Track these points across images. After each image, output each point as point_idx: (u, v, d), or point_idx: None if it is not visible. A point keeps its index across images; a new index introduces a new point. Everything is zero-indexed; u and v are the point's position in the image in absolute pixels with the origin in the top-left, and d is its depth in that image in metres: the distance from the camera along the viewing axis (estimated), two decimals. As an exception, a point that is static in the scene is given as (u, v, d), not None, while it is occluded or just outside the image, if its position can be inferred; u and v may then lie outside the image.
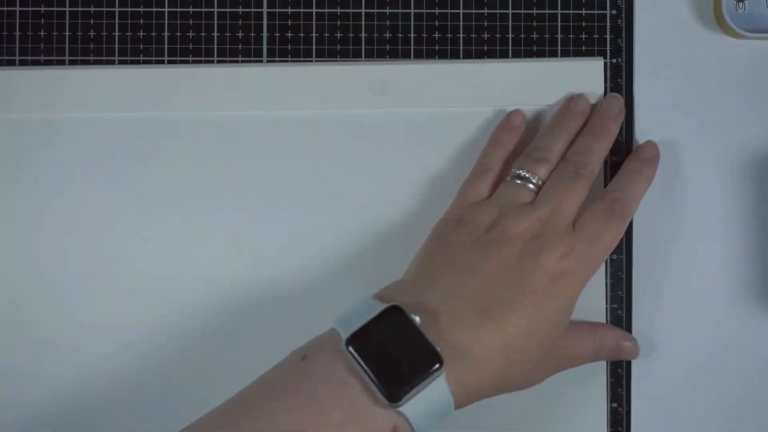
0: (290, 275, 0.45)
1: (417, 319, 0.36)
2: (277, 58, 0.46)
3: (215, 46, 0.46)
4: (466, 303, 0.37)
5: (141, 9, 0.46)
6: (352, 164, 0.45)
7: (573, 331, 0.41)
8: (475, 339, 0.37)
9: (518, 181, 0.42)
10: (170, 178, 0.45)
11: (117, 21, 0.46)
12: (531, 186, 0.41)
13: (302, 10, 0.46)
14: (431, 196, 0.45)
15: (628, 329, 0.45)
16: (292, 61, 0.46)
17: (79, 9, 0.46)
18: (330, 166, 0.45)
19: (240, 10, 0.46)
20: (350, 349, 0.35)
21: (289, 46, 0.46)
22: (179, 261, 0.45)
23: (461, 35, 0.46)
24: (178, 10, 0.46)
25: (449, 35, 0.46)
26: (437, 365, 0.35)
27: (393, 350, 0.35)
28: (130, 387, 0.45)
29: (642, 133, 0.45)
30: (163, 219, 0.45)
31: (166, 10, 0.46)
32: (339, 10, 0.46)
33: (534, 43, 0.46)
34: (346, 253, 0.45)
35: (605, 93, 0.45)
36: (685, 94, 0.45)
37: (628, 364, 0.45)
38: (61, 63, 0.46)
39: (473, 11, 0.46)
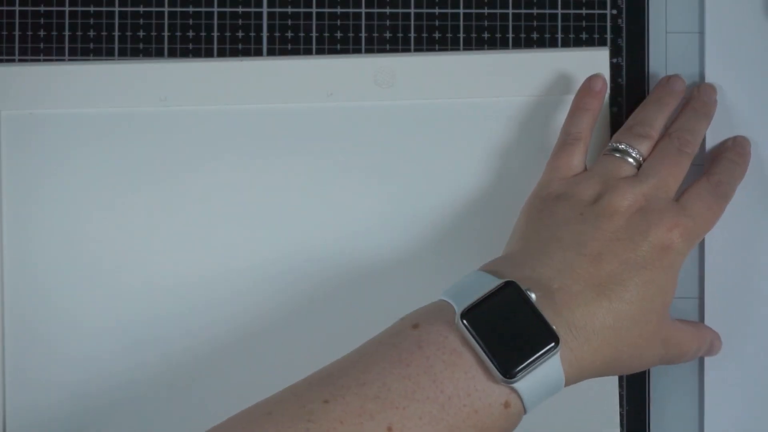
0: (298, 269, 0.45)
1: (533, 295, 0.36)
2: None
3: (215, 45, 0.46)
4: (580, 279, 0.37)
5: (141, 9, 0.46)
6: (357, 157, 0.45)
7: (681, 327, 0.41)
8: (590, 317, 0.36)
9: (618, 155, 0.41)
10: (174, 173, 0.45)
11: (117, 21, 0.46)
12: (631, 160, 0.41)
13: (302, 9, 0.46)
14: (439, 188, 0.45)
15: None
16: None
17: (79, 8, 0.46)
18: (335, 159, 0.45)
19: (240, 9, 0.46)
20: (464, 322, 0.35)
21: (289, 46, 0.46)
22: (183, 257, 0.45)
23: (461, 35, 0.46)
24: (178, 9, 0.46)
25: (449, 35, 0.46)
26: (553, 344, 0.35)
27: (508, 326, 0.35)
28: (141, 388, 0.44)
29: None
30: (166, 214, 0.45)
31: (166, 9, 0.46)
32: (339, 10, 0.46)
33: (534, 43, 0.46)
34: (351, 249, 0.45)
35: (611, 83, 0.45)
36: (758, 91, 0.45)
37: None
38: (61, 62, 0.46)
39: (473, 11, 0.46)
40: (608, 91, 0.44)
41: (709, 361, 0.44)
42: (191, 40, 0.46)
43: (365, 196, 0.45)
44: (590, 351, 0.36)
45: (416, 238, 0.43)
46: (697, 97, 0.44)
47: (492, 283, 0.36)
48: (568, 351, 0.36)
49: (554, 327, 0.35)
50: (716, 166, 0.43)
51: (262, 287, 0.45)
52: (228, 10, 0.46)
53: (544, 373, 0.35)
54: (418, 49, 0.46)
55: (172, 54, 0.46)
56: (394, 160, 0.45)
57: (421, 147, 0.45)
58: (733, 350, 0.44)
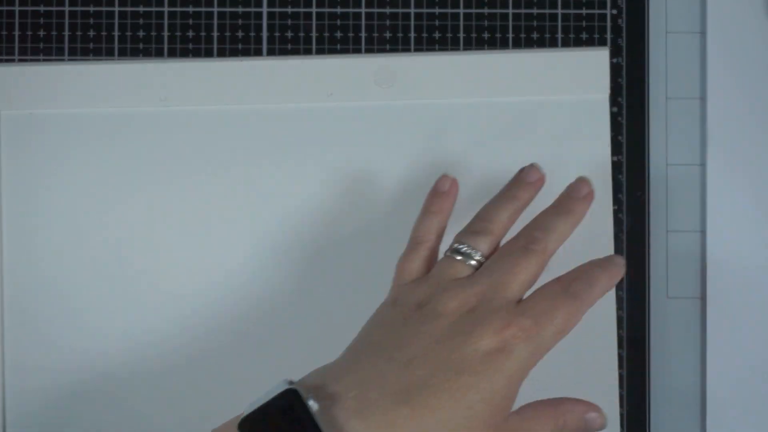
0: (298, 270, 0.45)
1: (315, 405, 0.33)
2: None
3: (215, 45, 0.46)
4: (383, 386, 0.34)
5: (141, 9, 0.46)
6: (358, 157, 0.45)
7: (528, 413, 0.37)
8: (389, 426, 0.33)
9: (457, 257, 0.38)
10: (175, 173, 0.45)
11: (117, 21, 0.46)
12: (472, 262, 0.38)
13: (302, 9, 0.46)
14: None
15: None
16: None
17: (79, 8, 0.46)
18: (336, 159, 0.45)
19: (240, 9, 0.46)
20: (239, 429, 0.33)
21: (289, 46, 0.46)
22: (184, 256, 0.45)
23: (461, 35, 0.46)
24: (178, 9, 0.46)
25: (449, 35, 0.46)
26: None
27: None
28: (141, 383, 0.44)
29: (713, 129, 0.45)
30: (167, 213, 0.45)
31: (166, 9, 0.46)
32: (339, 10, 0.46)
33: (534, 42, 0.46)
34: (353, 249, 0.45)
35: (611, 83, 0.45)
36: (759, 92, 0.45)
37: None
38: (61, 62, 0.46)
39: (473, 11, 0.46)
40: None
41: (710, 362, 0.44)
42: (191, 40, 0.46)
43: (366, 196, 0.45)
44: None
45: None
46: (565, 193, 0.41)
47: (279, 388, 0.34)
48: None
49: None
50: (575, 269, 0.38)
51: (261, 285, 0.45)
52: (228, 10, 0.46)
53: None
54: (418, 49, 0.46)
55: (172, 54, 0.46)
56: (395, 160, 0.45)
57: (421, 147, 0.45)
58: (734, 350, 0.44)
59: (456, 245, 0.39)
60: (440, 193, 0.42)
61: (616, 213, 0.45)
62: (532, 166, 0.41)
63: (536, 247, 0.38)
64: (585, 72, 0.44)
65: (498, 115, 0.45)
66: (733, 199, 0.45)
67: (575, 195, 0.40)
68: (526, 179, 0.41)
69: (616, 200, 0.45)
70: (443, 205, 0.41)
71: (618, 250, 0.45)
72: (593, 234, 0.43)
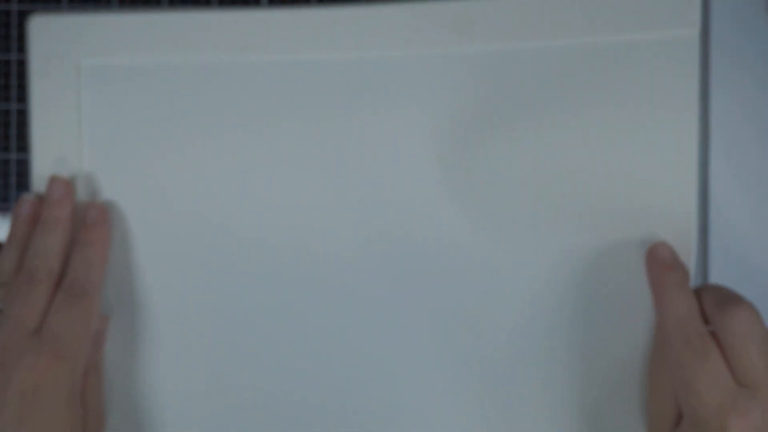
0: (370, 219, 0.44)
1: None
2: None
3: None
4: None
5: None
6: (436, 107, 0.44)
7: None
8: None
9: None
10: (252, 122, 0.44)
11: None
12: None
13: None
14: (524, 139, 0.44)
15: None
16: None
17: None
18: (414, 109, 0.44)
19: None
20: None
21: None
22: (260, 208, 0.44)
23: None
24: None
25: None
26: None
27: None
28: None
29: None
30: (244, 165, 0.44)
31: None
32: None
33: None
34: (433, 197, 0.44)
35: (702, 21, 0.43)
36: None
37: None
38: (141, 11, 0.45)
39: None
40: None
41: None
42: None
43: (446, 146, 0.44)
44: None
45: (500, 191, 0.44)
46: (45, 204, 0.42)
47: None
48: None
49: None
50: (68, 265, 0.41)
51: (338, 237, 0.44)
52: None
53: None
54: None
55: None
56: (474, 109, 0.44)
57: (503, 93, 0.44)
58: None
59: None
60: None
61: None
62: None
63: (38, 275, 0.39)
64: (672, 6, 0.43)
65: (579, 57, 0.43)
66: (733, 199, 0.45)
67: (58, 213, 0.41)
68: (21, 211, 0.41)
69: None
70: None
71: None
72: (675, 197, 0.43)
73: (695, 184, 0.44)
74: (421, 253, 0.44)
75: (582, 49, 0.44)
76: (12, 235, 0.41)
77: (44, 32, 0.44)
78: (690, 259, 0.44)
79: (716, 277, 0.45)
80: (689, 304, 0.36)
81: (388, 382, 0.44)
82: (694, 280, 0.44)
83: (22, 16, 0.46)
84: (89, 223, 0.41)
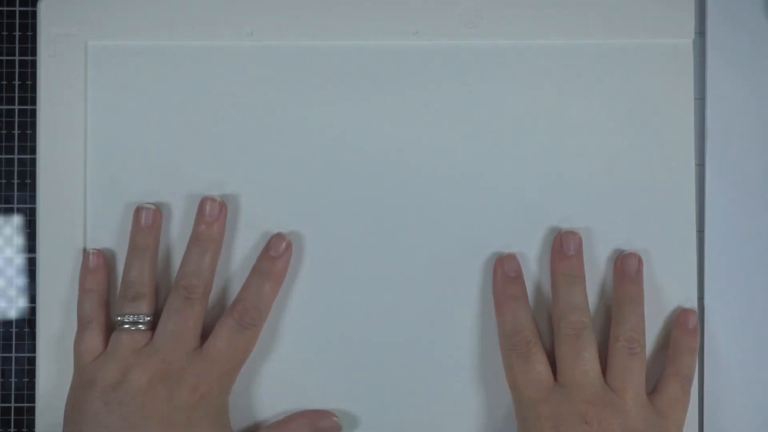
0: (375, 204, 0.45)
1: None
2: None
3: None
4: None
5: None
6: (440, 97, 0.45)
7: None
8: None
9: (126, 326, 0.41)
10: (256, 107, 0.45)
11: None
12: (141, 327, 0.41)
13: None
14: (527, 131, 0.45)
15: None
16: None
17: None
18: (419, 98, 0.45)
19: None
20: None
21: None
22: (262, 193, 0.45)
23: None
24: None
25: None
26: None
27: None
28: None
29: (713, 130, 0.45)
30: (247, 150, 0.45)
31: None
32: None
33: None
34: (432, 188, 0.45)
35: (695, 25, 0.45)
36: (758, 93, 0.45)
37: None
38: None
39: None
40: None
41: (709, 362, 0.45)
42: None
43: (449, 137, 0.45)
44: None
45: (497, 178, 0.44)
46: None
47: None
48: None
49: None
50: (241, 290, 0.42)
51: (344, 222, 0.44)
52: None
53: None
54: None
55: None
56: (479, 101, 0.45)
57: (506, 89, 0.45)
58: (734, 351, 0.45)
59: (119, 318, 0.41)
60: (89, 268, 0.43)
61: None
62: (146, 209, 0.43)
63: (194, 295, 0.41)
64: (670, 15, 0.44)
65: (582, 57, 0.45)
66: (733, 199, 0.45)
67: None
68: (140, 224, 0.43)
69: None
70: (95, 281, 0.43)
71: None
72: (676, 194, 0.44)
73: (694, 185, 0.45)
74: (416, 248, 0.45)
75: (583, 50, 0.45)
76: (140, 246, 0.42)
77: (53, 14, 0.44)
78: (690, 258, 0.45)
79: (713, 277, 0.45)
80: (521, 315, 0.42)
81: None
82: (692, 279, 0.44)
83: (24, 17, 0.46)
84: (274, 254, 0.42)
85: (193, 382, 0.39)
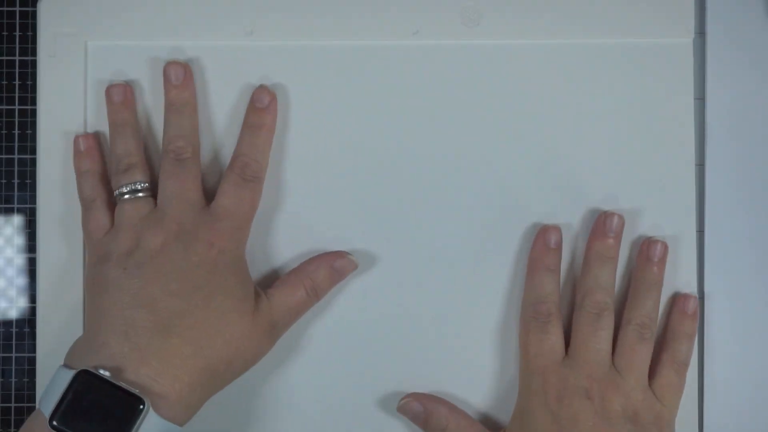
0: (384, 206, 0.45)
1: (106, 373, 0.36)
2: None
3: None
4: (145, 332, 0.38)
5: None
6: (440, 97, 0.45)
7: (279, 287, 0.42)
8: (167, 358, 0.38)
9: (127, 197, 0.41)
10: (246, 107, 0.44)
11: None
12: (141, 194, 0.41)
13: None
14: (526, 132, 0.45)
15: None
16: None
17: None
18: (418, 99, 0.45)
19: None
20: (55, 424, 0.36)
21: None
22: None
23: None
24: None
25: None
26: (141, 406, 0.36)
27: (98, 411, 0.36)
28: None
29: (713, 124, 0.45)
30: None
31: None
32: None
33: None
34: (435, 190, 0.45)
35: (695, 25, 0.45)
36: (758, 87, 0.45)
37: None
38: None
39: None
40: None
41: (709, 362, 0.45)
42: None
43: (449, 137, 0.45)
44: (185, 385, 0.38)
45: (497, 177, 0.44)
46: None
47: (66, 377, 0.36)
48: (163, 399, 0.37)
49: (136, 390, 0.36)
50: (238, 145, 0.43)
51: (343, 222, 0.45)
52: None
53: None
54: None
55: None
56: (479, 101, 0.45)
57: (506, 89, 0.45)
58: (733, 350, 0.45)
59: (118, 190, 0.41)
60: (83, 153, 0.43)
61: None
62: (117, 85, 0.43)
63: (184, 156, 0.42)
64: (670, 14, 0.44)
65: (582, 57, 0.45)
66: (733, 199, 0.45)
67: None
68: (113, 99, 0.43)
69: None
70: (92, 160, 0.43)
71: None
72: (674, 188, 0.45)
73: (694, 185, 0.45)
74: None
75: (583, 49, 0.45)
76: (119, 121, 0.42)
77: (53, 14, 0.44)
78: (690, 258, 0.45)
79: (713, 277, 0.45)
80: (550, 287, 0.43)
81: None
82: (692, 279, 0.44)
83: (24, 17, 0.46)
84: (259, 106, 0.43)
85: (207, 238, 0.40)
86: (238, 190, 0.42)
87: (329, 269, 0.43)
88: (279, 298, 0.42)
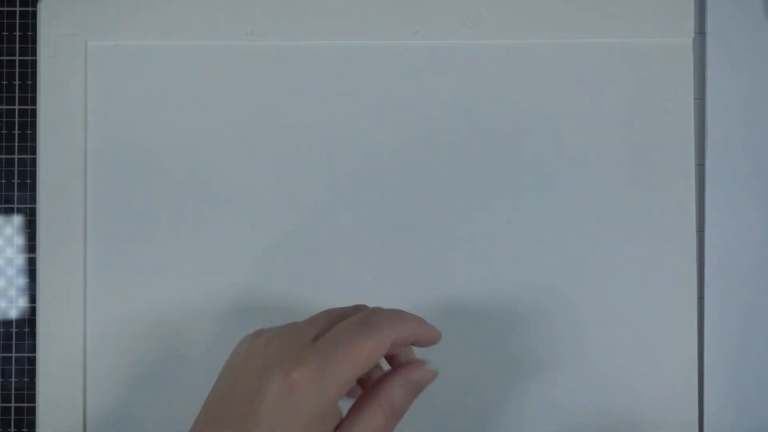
0: (374, 202, 0.45)
1: None
2: None
3: None
4: None
5: None
6: (439, 97, 0.45)
7: (352, 414, 0.37)
8: None
9: None
10: (256, 106, 0.45)
11: None
12: None
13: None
14: (525, 132, 0.45)
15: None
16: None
17: None
18: (417, 99, 0.45)
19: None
20: None
21: None
22: (267, 190, 0.45)
23: None
24: None
25: None
26: None
27: None
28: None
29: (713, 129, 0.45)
30: (250, 149, 0.45)
31: None
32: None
33: None
34: (433, 184, 0.45)
35: (695, 25, 0.45)
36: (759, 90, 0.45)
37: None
38: None
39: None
40: None
41: (709, 362, 0.45)
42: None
43: (448, 137, 0.45)
44: None
45: (496, 177, 0.44)
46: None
47: None
48: None
49: None
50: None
51: (343, 220, 0.45)
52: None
53: None
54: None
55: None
56: (479, 101, 0.45)
57: (505, 89, 0.45)
58: (733, 350, 0.45)
59: None
60: None
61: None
62: None
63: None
64: (670, 14, 0.44)
65: (582, 57, 0.45)
66: (733, 199, 0.45)
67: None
68: None
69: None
70: None
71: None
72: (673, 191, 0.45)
73: (694, 185, 0.45)
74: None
75: (583, 49, 0.45)
76: None
77: (53, 14, 0.44)
78: (690, 258, 0.45)
79: (713, 277, 0.45)
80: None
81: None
82: (692, 279, 0.44)
83: (24, 17, 0.46)
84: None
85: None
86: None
87: (407, 384, 0.37)
88: (357, 429, 0.36)
